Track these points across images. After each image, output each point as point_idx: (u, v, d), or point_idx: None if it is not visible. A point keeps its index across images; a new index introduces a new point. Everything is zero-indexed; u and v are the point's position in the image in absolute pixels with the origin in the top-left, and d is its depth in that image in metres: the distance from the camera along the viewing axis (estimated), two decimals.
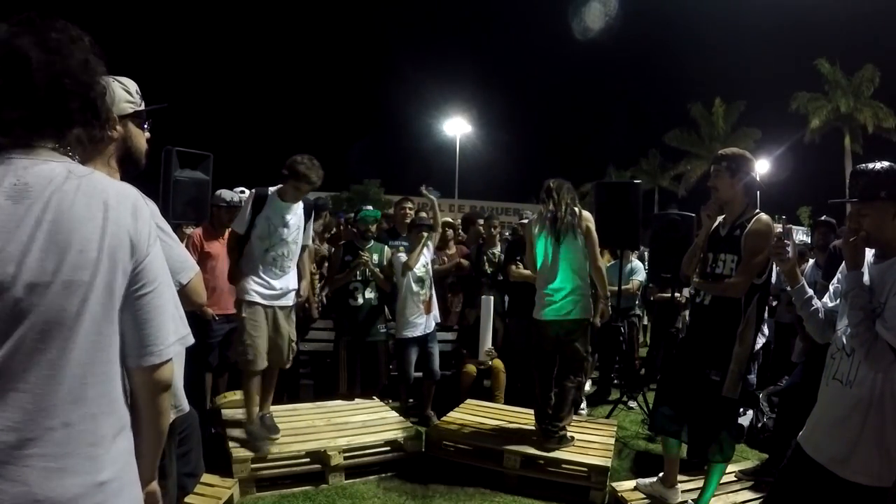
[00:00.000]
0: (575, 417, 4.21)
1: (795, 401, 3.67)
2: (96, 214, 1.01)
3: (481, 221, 6.21)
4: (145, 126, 1.80)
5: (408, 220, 5.53)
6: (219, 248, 4.56)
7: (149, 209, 1.14)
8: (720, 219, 3.15)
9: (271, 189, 3.75)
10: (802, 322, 2.29)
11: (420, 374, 4.96)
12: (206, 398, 4.47)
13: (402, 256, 4.86)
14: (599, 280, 4.10)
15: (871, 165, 1.99)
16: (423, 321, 4.84)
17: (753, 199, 3.13)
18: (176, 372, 1.81)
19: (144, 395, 1.15)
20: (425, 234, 4.86)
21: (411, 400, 5.07)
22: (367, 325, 4.94)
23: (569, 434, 3.90)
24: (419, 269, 4.83)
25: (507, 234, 7.00)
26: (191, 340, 1.20)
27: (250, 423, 3.68)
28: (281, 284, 3.76)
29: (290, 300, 3.84)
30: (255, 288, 3.68)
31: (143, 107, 1.77)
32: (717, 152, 3.16)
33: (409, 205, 5.73)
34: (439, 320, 5.10)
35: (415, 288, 4.80)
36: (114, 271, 1.02)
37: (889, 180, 1.92)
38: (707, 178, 3.21)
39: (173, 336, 1.14)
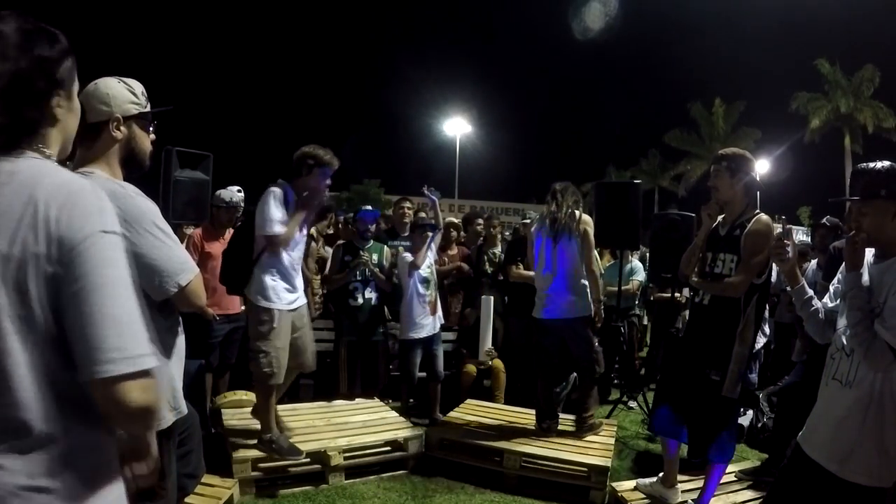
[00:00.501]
0: (575, 417, 4.21)
1: (794, 400, 3.68)
2: (17, 206, 0.95)
3: (480, 221, 6.21)
4: (150, 128, 1.81)
5: (406, 220, 5.53)
6: (219, 248, 4.55)
7: (100, 204, 1.01)
8: (720, 218, 3.15)
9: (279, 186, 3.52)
10: (802, 322, 2.30)
11: (423, 374, 4.94)
12: (207, 398, 4.47)
13: (408, 256, 4.83)
14: (593, 283, 4.14)
15: (872, 165, 2.00)
16: (428, 322, 4.81)
17: (753, 199, 3.13)
18: (175, 374, 1.81)
19: (109, 419, 1.02)
20: (429, 234, 4.82)
21: (412, 400, 5.06)
22: (367, 325, 4.94)
23: (596, 421, 4.12)
24: (424, 270, 4.80)
25: (507, 234, 6.99)
26: (147, 364, 0.97)
27: (270, 432, 3.50)
28: (299, 285, 3.62)
29: (304, 299, 3.72)
30: (284, 295, 3.46)
31: (147, 108, 1.77)
32: (717, 152, 3.17)
33: (408, 204, 5.71)
34: (444, 321, 5.07)
35: (420, 289, 4.77)
36: (23, 267, 0.94)
37: (889, 179, 1.92)
38: (707, 178, 3.21)
39: (115, 352, 0.94)
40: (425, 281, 4.81)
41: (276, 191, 3.44)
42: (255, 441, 3.60)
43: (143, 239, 1.61)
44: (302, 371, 3.85)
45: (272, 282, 3.44)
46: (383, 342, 5.09)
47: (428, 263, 4.84)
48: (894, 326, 1.80)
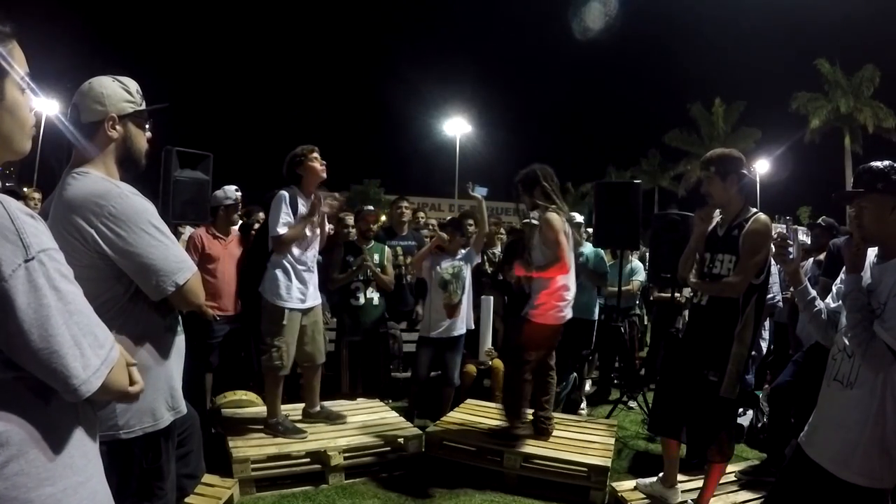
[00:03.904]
0: (575, 417, 4.21)
1: (787, 399, 3.67)
2: None
3: (471, 222, 6.16)
4: (146, 126, 1.80)
5: (404, 220, 5.55)
6: (220, 249, 4.55)
7: None
8: (718, 219, 3.14)
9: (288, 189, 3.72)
10: (795, 322, 2.30)
11: (438, 372, 4.85)
12: (206, 398, 4.47)
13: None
14: None
15: (874, 163, 2.01)
16: (445, 324, 4.68)
17: (750, 197, 3.11)
18: (174, 373, 1.80)
19: None
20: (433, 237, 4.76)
21: (416, 409, 4.91)
22: (369, 325, 4.93)
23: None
24: (445, 273, 4.70)
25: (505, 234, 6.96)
26: None
27: (276, 416, 3.77)
28: (313, 283, 3.80)
29: (319, 298, 3.92)
30: (296, 294, 3.67)
31: (143, 106, 1.76)
32: (703, 158, 3.14)
33: (405, 204, 5.71)
34: (467, 328, 4.88)
35: (438, 291, 4.70)
36: None
37: (888, 173, 1.93)
38: None
39: None
40: (443, 282, 4.71)
41: (284, 194, 3.63)
42: (255, 441, 3.61)
43: (139, 238, 1.60)
44: (313, 363, 4.00)
45: (285, 281, 3.63)
46: (385, 342, 5.07)
47: (453, 265, 4.74)
48: (894, 327, 1.79)
